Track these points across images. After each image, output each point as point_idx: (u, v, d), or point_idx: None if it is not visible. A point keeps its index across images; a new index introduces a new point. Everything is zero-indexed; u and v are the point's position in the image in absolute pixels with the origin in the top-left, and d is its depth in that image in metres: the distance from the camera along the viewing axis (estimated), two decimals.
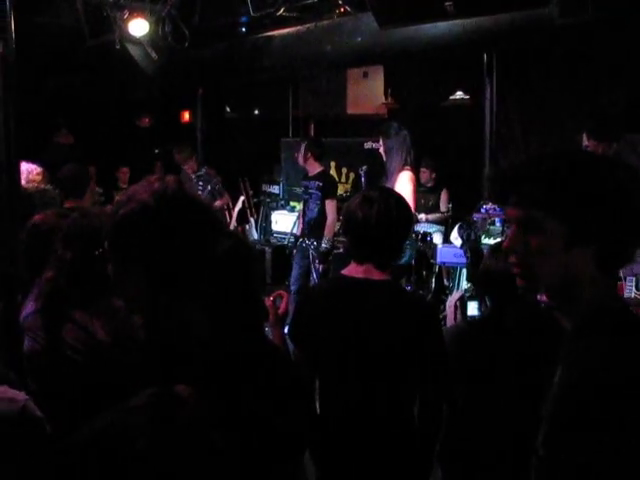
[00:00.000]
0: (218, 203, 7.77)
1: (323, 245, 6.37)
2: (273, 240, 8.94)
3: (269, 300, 2.50)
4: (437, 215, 7.63)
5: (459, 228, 5.86)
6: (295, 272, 6.78)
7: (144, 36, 7.33)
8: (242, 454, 1.32)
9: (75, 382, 2.16)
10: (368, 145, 8.77)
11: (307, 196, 6.69)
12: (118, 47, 7.28)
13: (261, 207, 9.66)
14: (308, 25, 7.10)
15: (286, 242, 8.17)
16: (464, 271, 6.06)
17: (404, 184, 5.15)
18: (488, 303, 2.66)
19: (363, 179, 6.03)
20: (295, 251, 6.91)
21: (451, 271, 6.64)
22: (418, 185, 6.01)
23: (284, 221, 8.76)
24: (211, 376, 1.42)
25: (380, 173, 5.57)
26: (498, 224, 5.86)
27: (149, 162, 10.05)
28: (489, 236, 5.75)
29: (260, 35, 7.65)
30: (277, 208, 9.35)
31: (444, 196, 7.84)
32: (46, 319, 2.30)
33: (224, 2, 7.54)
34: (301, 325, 2.53)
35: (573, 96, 7.14)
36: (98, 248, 2.19)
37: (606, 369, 1.31)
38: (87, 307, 2.32)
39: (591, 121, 5.37)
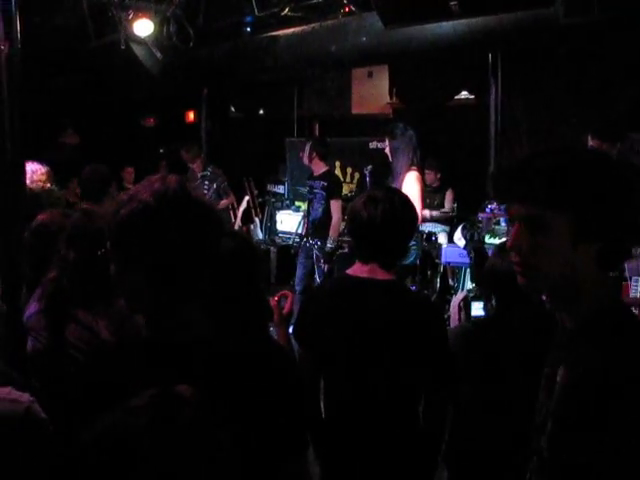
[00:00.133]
0: (224, 202, 7.79)
1: (328, 245, 6.37)
2: (278, 240, 8.94)
3: (274, 300, 2.50)
4: (441, 212, 7.63)
5: (462, 228, 5.86)
6: (299, 272, 6.78)
7: (149, 36, 7.35)
8: (244, 454, 1.32)
9: (78, 382, 2.17)
10: (373, 145, 8.77)
11: (312, 196, 6.70)
12: (123, 47, 7.30)
13: (266, 207, 9.66)
14: (313, 25, 7.10)
15: (291, 242, 8.17)
16: (469, 271, 6.05)
17: (411, 184, 5.15)
18: (493, 303, 2.66)
19: (368, 179, 6.02)
20: (299, 251, 6.91)
21: (456, 271, 6.63)
22: (424, 186, 6.01)
23: (289, 221, 8.76)
24: (213, 375, 1.42)
25: (385, 173, 5.56)
26: (503, 224, 5.85)
27: (154, 162, 10.06)
28: (494, 236, 5.74)
29: (265, 35, 7.65)
30: (282, 208, 9.35)
31: (449, 196, 7.84)
32: (49, 319, 2.30)
33: (229, 2, 7.55)
34: (306, 325, 2.53)
35: (578, 96, 7.12)
36: (101, 248, 2.19)
37: (608, 369, 1.31)
38: (91, 307, 2.32)
39: (595, 121, 5.37)
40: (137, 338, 2.08)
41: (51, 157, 5.33)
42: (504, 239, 5.05)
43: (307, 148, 6.62)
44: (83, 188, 4.66)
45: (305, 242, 6.76)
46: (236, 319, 1.81)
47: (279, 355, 1.93)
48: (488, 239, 5.71)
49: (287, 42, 7.42)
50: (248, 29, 7.85)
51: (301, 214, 8.21)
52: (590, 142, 5.19)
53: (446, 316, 4.92)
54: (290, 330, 2.59)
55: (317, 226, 6.60)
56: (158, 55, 7.78)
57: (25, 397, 1.62)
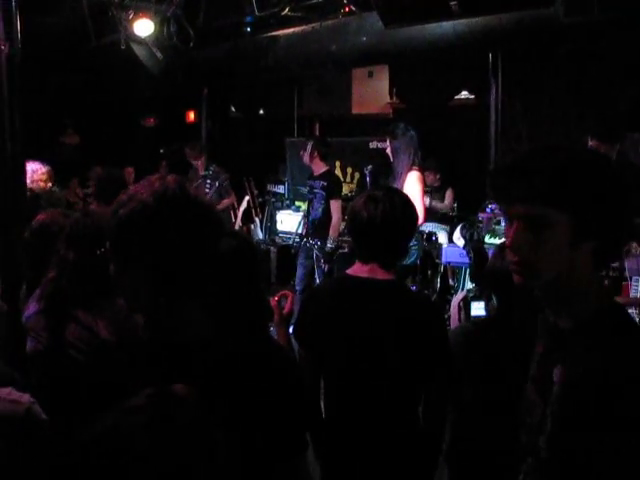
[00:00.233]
0: (225, 202, 7.78)
1: (328, 245, 6.36)
2: (278, 240, 8.93)
3: (274, 300, 2.50)
4: (443, 204, 7.64)
5: (461, 228, 5.86)
6: (300, 272, 6.78)
7: (149, 36, 7.35)
8: (243, 454, 1.32)
9: (78, 382, 2.17)
10: (373, 145, 8.77)
11: (312, 196, 6.69)
12: (123, 47, 7.30)
13: (266, 207, 9.66)
14: (313, 25, 7.10)
15: (291, 242, 8.17)
16: (469, 271, 6.05)
17: (413, 184, 5.15)
18: (494, 303, 2.65)
19: (368, 179, 6.02)
20: (299, 251, 6.91)
21: (456, 271, 6.63)
22: (424, 186, 6.01)
23: (289, 221, 8.75)
24: (213, 375, 1.43)
25: (385, 173, 5.57)
26: (503, 224, 5.83)
27: (154, 162, 10.05)
28: (494, 236, 5.74)
29: (265, 35, 7.65)
30: (282, 208, 9.34)
31: (449, 195, 7.84)
32: (49, 319, 2.30)
33: (229, 2, 7.54)
34: (306, 325, 2.53)
35: (579, 95, 7.11)
36: (100, 248, 2.19)
37: (608, 370, 1.31)
38: (90, 307, 2.32)
39: (595, 121, 5.38)
40: (137, 338, 2.08)
41: (51, 157, 5.34)
42: (504, 239, 5.04)
43: (308, 147, 6.61)
44: (98, 189, 4.68)
45: (305, 242, 6.76)
46: (236, 319, 1.81)
47: (279, 355, 1.93)
48: (488, 239, 5.71)
49: (287, 42, 7.42)
50: (248, 29, 7.85)
51: (301, 214, 8.20)
52: (590, 143, 5.19)
53: (446, 316, 4.92)
54: (290, 330, 2.59)
55: (317, 226, 6.60)
56: (158, 55, 7.78)
57: (25, 398, 1.62)
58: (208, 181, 7.64)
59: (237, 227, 8.41)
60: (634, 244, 4.43)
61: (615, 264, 4.30)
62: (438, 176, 7.88)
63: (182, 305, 1.50)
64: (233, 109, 11.14)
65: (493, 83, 7.13)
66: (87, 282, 2.31)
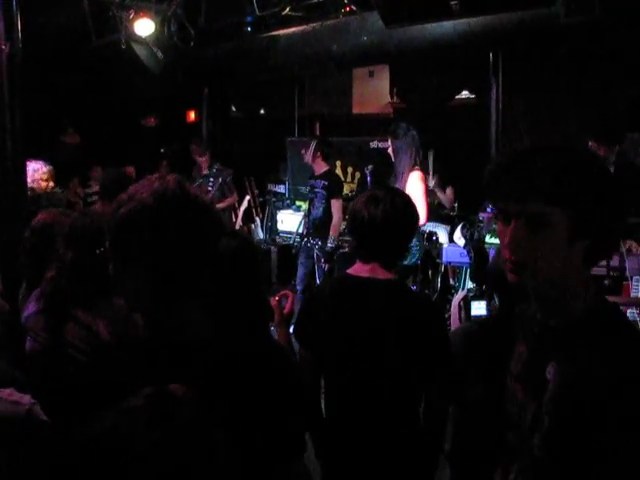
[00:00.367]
0: (227, 201, 7.77)
1: (328, 245, 6.36)
2: (279, 240, 8.93)
3: (274, 300, 2.50)
4: (445, 196, 7.63)
5: (462, 227, 5.85)
6: (300, 272, 6.78)
7: (150, 36, 7.35)
8: (243, 453, 1.32)
9: (78, 381, 2.17)
10: (374, 144, 8.76)
11: (313, 195, 6.69)
12: (124, 47, 7.30)
13: (267, 206, 9.65)
14: (314, 24, 7.10)
15: (292, 242, 8.16)
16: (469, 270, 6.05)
17: (415, 184, 5.15)
18: (496, 303, 2.65)
19: (369, 178, 6.01)
20: (300, 251, 6.91)
21: (457, 270, 6.62)
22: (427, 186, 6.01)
23: (290, 220, 8.75)
24: (212, 375, 1.42)
25: (386, 172, 5.56)
26: (494, 225, 5.84)
27: (155, 162, 10.05)
28: (495, 235, 5.73)
29: (266, 34, 7.65)
30: (283, 207, 9.34)
31: (450, 194, 7.83)
32: (48, 319, 2.30)
33: (230, 2, 7.54)
34: (306, 324, 2.53)
35: (579, 95, 7.11)
36: (99, 248, 2.19)
37: (604, 369, 1.31)
38: (90, 307, 2.32)
39: (596, 122, 5.39)
40: (136, 338, 2.08)
41: (51, 157, 5.34)
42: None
43: (312, 146, 6.60)
44: (103, 189, 4.68)
45: (306, 242, 6.76)
46: (236, 319, 1.81)
47: (279, 355, 1.93)
48: (489, 239, 5.70)
49: (288, 42, 7.42)
50: (249, 29, 7.85)
51: (302, 214, 8.20)
52: (590, 144, 5.20)
53: (447, 316, 4.92)
54: (291, 330, 2.59)
55: (318, 226, 6.60)
56: (159, 55, 7.78)
57: (26, 399, 1.62)
58: (211, 179, 7.63)
59: (238, 227, 8.41)
60: (634, 244, 4.43)
61: (616, 264, 4.30)
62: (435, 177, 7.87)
63: (182, 305, 1.50)
64: (234, 109, 11.14)
65: (494, 83, 7.13)
66: (86, 282, 2.31)
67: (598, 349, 1.34)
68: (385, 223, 2.35)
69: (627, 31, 5.58)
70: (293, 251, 7.46)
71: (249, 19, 7.61)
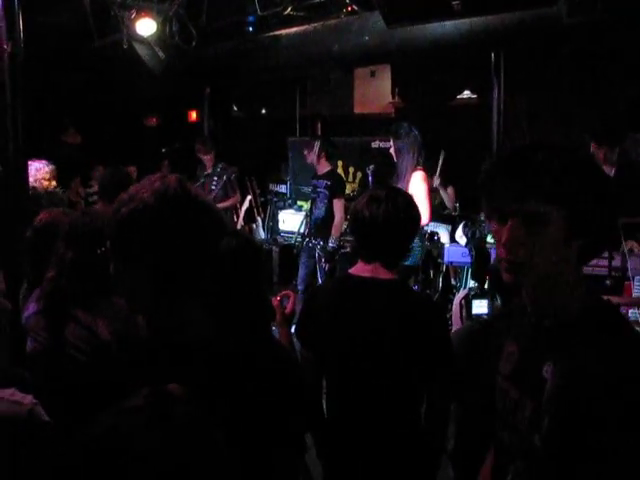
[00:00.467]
0: (231, 200, 7.76)
1: (330, 244, 6.36)
2: (280, 239, 8.93)
3: (276, 300, 2.50)
4: (448, 195, 7.62)
5: (464, 226, 5.85)
6: (302, 272, 6.78)
7: (151, 36, 7.34)
8: (243, 453, 1.32)
9: (78, 381, 2.17)
10: (375, 144, 8.76)
11: (315, 195, 6.69)
12: (125, 47, 7.30)
13: (268, 206, 9.66)
14: (315, 24, 7.09)
15: (293, 241, 8.15)
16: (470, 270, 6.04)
17: (418, 184, 5.15)
18: (499, 302, 2.65)
19: (370, 178, 6.02)
20: (302, 251, 6.91)
21: (458, 270, 6.62)
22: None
23: (291, 220, 8.75)
24: (213, 375, 1.42)
25: (388, 172, 5.56)
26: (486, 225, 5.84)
27: (156, 161, 10.06)
28: None
29: (267, 34, 7.64)
30: (284, 207, 9.34)
31: (450, 194, 7.81)
32: (48, 319, 2.30)
33: (231, 1, 7.54)
34: (308, 324, 2.53)
35: (581, 95, 7.11)
36: (100, 247, 2.19)
37: (604, 368, 1.31)
38: (90, 306, 2.32)
39: (597, 122, 5.39)
40: (137, 338, 2.08)
41: (53, 156, 5.34)
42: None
43: (316, 147, 6.60)
44: (102, 188, 4.66)
45: (308, 242, 6.75)
46: (238, 319, 1.81)
47: (281, 355, 1.93)
48: (490, 238, 5.70)
49: (289, 41, 7.41)
50: (250, 28, 7.85)
51: (303, 214, 8.20)
52: (591, 144, 5.20)
53: (448, 315, 4.91)
54: (292, 330, 2.59)
55: (320, 226, 6.60)
56: (160, 54, 7.78)
57: (28, 399, 1.62)
58: (215, 178, 7.62)
59: (239, 226, 8.41)
60: (635, 244, 4.43)
61: (618, 264, 4.30)
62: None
63: (183, 305, 1.50)
64: (235, 108, 11.15)
65: (495, 83, 7.12)
66: (86, 281, 2.31)
67: (596, 347, 1.34)
68: (387, 223, 2.35)
69: (629, 31, 5.58)
70: (294, 251, 7.45)
71: (251, 19, 7.61)
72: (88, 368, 2.23)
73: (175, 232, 1.43)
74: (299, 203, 9.22)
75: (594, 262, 4.11)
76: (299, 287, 6.70)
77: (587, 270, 3.99)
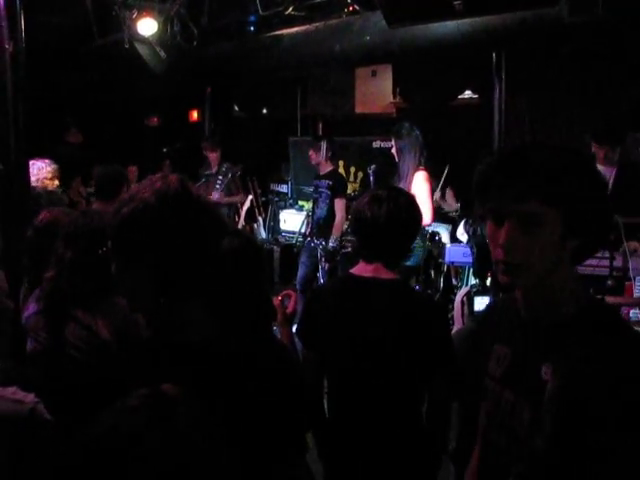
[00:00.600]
0: (235, 198, 7.75)
1: (330, 244, 6.35)
2: (281, 239, 8.93)
3: (277, 299, 2.50)
4: (449, 204, 7.62)
5: (465, 223, 5.85)
6: (301, 271, 6.77)
7: (153, 35, 7.35)
8: (244, 453, 1.32)
9: (79, 381, 2.17)
10: (376, 144, 8.76)
11: (317, 195, 6.69)
12: (127, 46, 7.31)
13: (269, 206, 9.66)
14: (317, 24, 7.09)
15: (294, 241, 8.16)
16: (472, 269, 6.03)
17: (420, 184, 5.15)
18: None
19: (372, 178, 6.01)
20: (302, 250, 6.90)
21: (459, 270, 6.61)
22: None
23: (292, 220, 8.75)
24: (214, 375, 1.42)
25: (389, 172, 5.56)
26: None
27: (157, 161, 10.06)
28: None
29: (269, 34, 7.64)
30: (285, 207, 9.34)
31: (450, 195, 7.81)
32: (48, 319, 2.30)
33: (233, 1, 7.55)
34: (309, 324, 2.53)
35: (583, 95, 7.10)
36: (99, 247, 2.19)
37: (604, 368, 1.31)
38: (90, 306, 2.32)
39: (599, 122, 5.38)
40: (137, 337, 2.08)
41: (54, 156, 5.34)
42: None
43: (323, 147, 6.59)
44: (96, 187, 4.65)
45: (309, 241, 6.75)
46: (239, 318, 1.81)
47: (282, 355, 1.93)
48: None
49: (291, 41, 7.41)
50: (252, 28, 7.85)
51: (304, 213, 8.19)
52: (592, 144, 5.20)
53: (450, 315, 4.91)
54: (294, 330, 2.59)
55: (322, 225, 6.59)
56: (162, 54, 7.78)
57: (30, 398, 1.62)
58: (220, 177, 7.62)
59: (240, 226, 8.41)
60: (637, 244, 4.42)
61: (619, 264, 4.29)
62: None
63: (183, 304, 1.50)
64: (236, 108, 11.15)
65: (497, 83, 7.11)
66: (86, 281, 2.31)
67: (595, 347, 1.34)
68: (388, 223, 2.35)
69: (630, 31, 5.57)
70: (295, 250, 7.45)
71: (252, 19, 7.61)
72: (88, 368, 2.23)
73: (176, 232, 1.43)
74: (300, 203, 9.22)
75: (595, 262, 4.11)
76: (297, 286, 6.69)
77: (588, 270, 3.98)
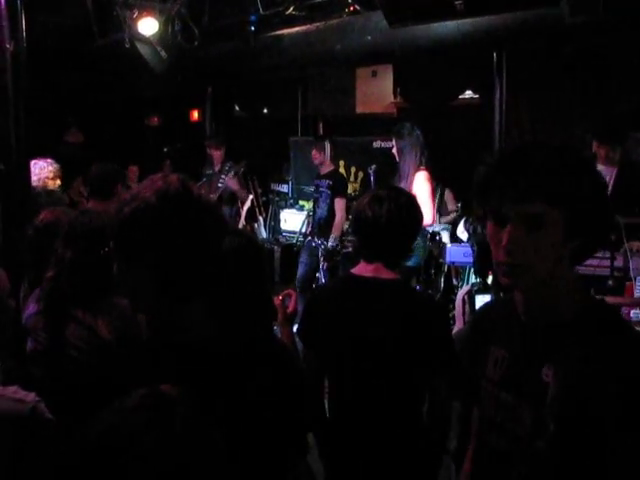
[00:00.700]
0: (242, 192, 7.72)
1: (330, 243, 6.36)
2: (282, 239, 8.93)
3: (278, 299, 2.50)
4: (449, 217, 7.60)
5: (465, 222, 5.84)
6: (301, 270, 6.77)
7: (153, 35, 7.35)
8: (244, 453, 1.32)
9: (79, 381, 2.17)
10: (377, 144, 8.76)
11: (318, 195, 6.70)
12: (128, 46, 7.30)
13: (270, 206, 9.66)
14: (317, 24, 7.09)
15: (295, 241, 8.15)
16: (472, 269, 6.03)
17: (421, 184, 5.15)
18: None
19: (372, 178, 6.02)
20: (302, 250, 6.90)
21: (460, 270, 6.61)
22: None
23: (293, 220, 8.75)
24: (214, 374, 1.42)
25: (390, 172, 5.56)
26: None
27: (158, 161, 10.07)
28: None
29: (269, 34, 7.64)
30: (286, 207, 9.35)
31: (449, 196, 7.80)
32: (48, 319, 2.30)
33: (234, 1, 7.55)
34: (310, 324, 2.53)
35: (584, 95, 7.10)
36: (99, 247, 2.19)
37: (604, 368, 1.31)
38: (90, 306, 2.32)
39: (599, 122, 5.38)
40: (137, 337, 2.08)
41: (55, 155, 5.34)
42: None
43: (327, 147, 6.61)
44: (91, 186, 4.62)
45: (309, 241, 6.75)
46: (240, 318, 1.81)
47: (282, 355, 1.93)
48: None
49: (291, 41, 7.41)
50: (253, 28, 7.84)
51: (305, 213, 8.19)
52: (593, 144, 5.20)
53: (450, 315, 4.90)
54: (294, 329, 2.59)
55: (323, 225, 6.60)
56: (162, 54, 7.78)
57: (31, 397, 1.62)
58: (222, 176, 7.61)
59: (241, 226, 8.41)
60: (638, 244, 4.42)
61: (620, 264, 4.29)
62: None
63: (184, 304, 1.50)
64: (237, 108, 11.14)
65: (497, 83, 7.10)
66: (86, 281, 2.31)
67: (596, 348, 1.34)
68: (389, 223, 2.35)
69: (631, 31, 5.57)
70: (296, 250, 7.45)
71: (253, 18, 7.60)
72: (88, 368, 2.23)
73: (177, 232, 1.43)
74: (301, 203, 9.22)
75: (596, 262, 4.11)
76: (297, 286, 6.68)
77: (589, 270, 3.98)
